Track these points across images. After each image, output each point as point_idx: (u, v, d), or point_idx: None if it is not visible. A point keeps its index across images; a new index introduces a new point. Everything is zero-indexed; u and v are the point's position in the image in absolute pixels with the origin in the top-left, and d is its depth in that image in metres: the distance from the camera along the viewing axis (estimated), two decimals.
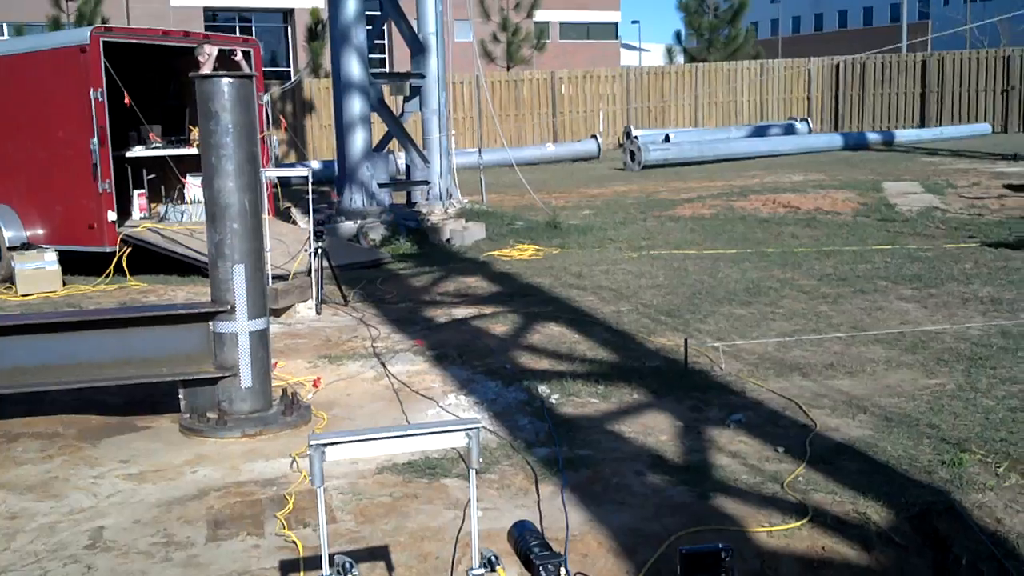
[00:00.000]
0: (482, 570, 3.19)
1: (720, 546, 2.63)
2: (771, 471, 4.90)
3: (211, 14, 48.73)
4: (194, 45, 11.98)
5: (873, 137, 27.45)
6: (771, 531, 4.25)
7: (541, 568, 2.91)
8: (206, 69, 11.02)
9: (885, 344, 7.13)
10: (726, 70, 33.01)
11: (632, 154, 24.08)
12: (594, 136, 29.14)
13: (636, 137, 25.72)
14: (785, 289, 9.19)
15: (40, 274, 10.88)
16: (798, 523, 4.29)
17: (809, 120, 30.26)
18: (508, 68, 35.44)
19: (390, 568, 4.05)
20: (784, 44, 57.07)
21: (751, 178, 19.58)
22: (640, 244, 12.34)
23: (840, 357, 6.87)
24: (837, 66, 32.37)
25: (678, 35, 39.31)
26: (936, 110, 31.12)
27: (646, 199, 17.04)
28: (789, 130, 28.98)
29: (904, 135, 27.80)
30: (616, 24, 60.04)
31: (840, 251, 11.10)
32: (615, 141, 30.66)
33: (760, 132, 28.82)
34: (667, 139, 26.69)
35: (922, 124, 30.78)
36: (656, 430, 5.60)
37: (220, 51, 11.62)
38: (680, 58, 39.19)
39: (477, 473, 4.89)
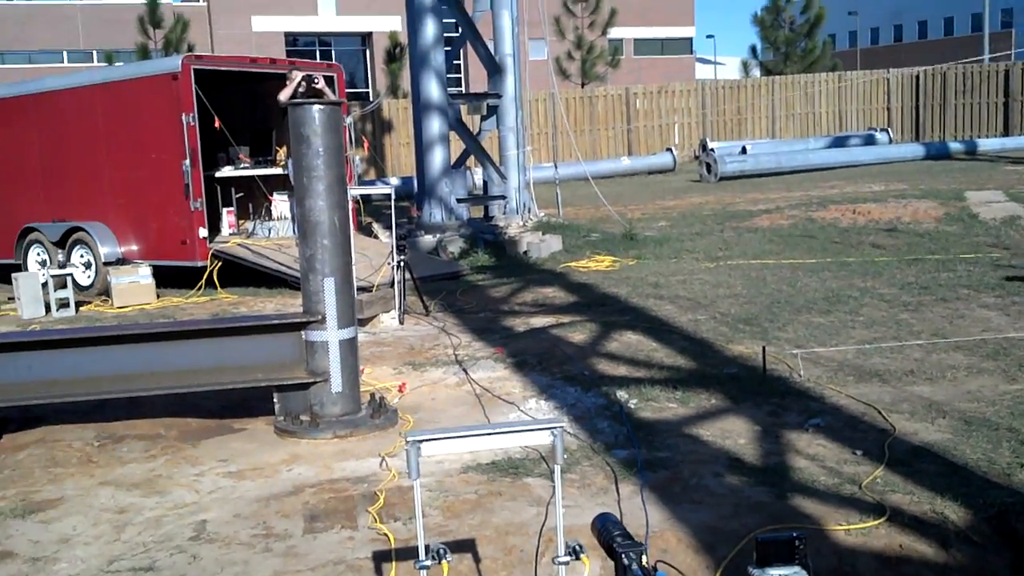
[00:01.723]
0: (568, 558, 3.34)
1: (795, 534, 2.73)
2: (849, 473, 4.96)
3: (292, 38, 49.94)
4: (279, 71, 12.47)
5: (955, 147, 26.95)
6: (849, 529, 4.32)
7: (623, 555, 3.03)
8: (286, 93, 11.47)
9: (966, 351, 7.11)
10: (803, 82, 32.73)
11: (708, 166, 24.04)
12: (669, 149, 29.13)
13: (712, 149, 25.67)
14: (865, 298, 9.18)
15: (135, 287, 11.37)
16: (875, 522, 4.35)
17: (889, 130, 29.82)
18: (583, 85, 35.60)
19: (477, 560, 4.23)
20: (862, 56, 56.27)
21: (830, 188, 19.43)
22: (717, 255, 12.38)
23: (920, 364, 6.87)
24: (917, 76, 31.87)
25: (753, 49, 39.07)
26: (1020, 119, 30.39)
27: (723, 210, 17.04)
28: (869, 140, 28.62)
29: (987, 144, 27.24)
30: (691, 39, 59.85)
31: (922, 260, 11.01)
32: (691, 154, 30.59)
33: (839, 143, 28.51)
34: (744, 151, 26.57)
35: (1006, 133, 30.10)
36: (734, 433, 5.69)
37: (304, 76, 12.02)
38: (756, 71, 38.94)
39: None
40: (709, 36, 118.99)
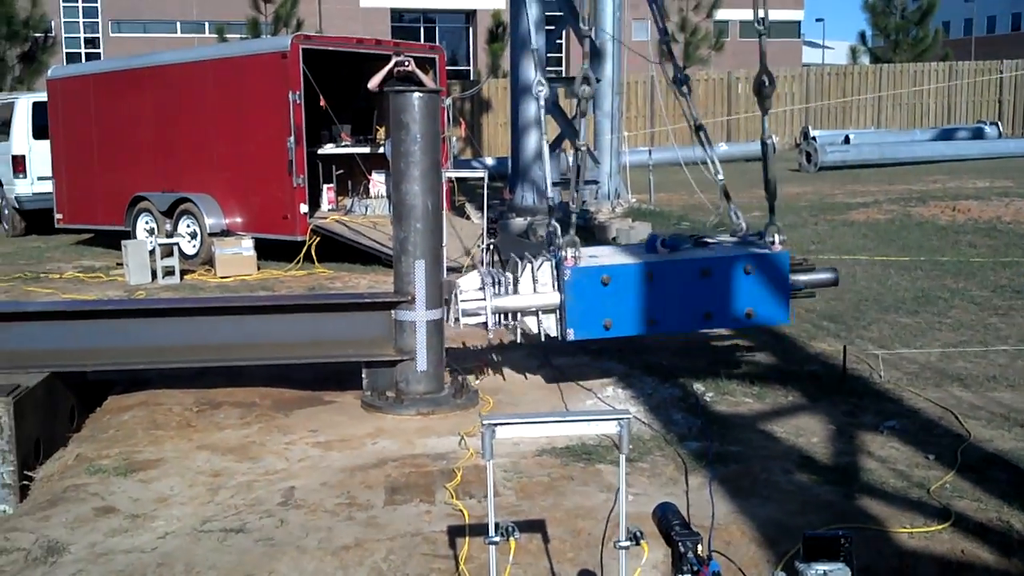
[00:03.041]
0: (628, 543, 3.52)
1: (841, 532, 2.86)
2: (919, 477, 5.01)
3: (398, 15, 50.60)
4: (383, 52, 12.77)
5: None
6: (912, 532, 4.39)
7: (680, 543, 3.21)
8: (376, 80, 11.74)
9: None
10: (912, 71, 31.94)
11: (808, 155, 23.72)
12: (770, 136, 28.72)
13: (814, 138, 25.27)
14: (955, 299, 9.07)
15: (237, 259, 11.84)
16: (940, 526, 4.41)
17: (999, 124, 28.91)
18: (684, 68, 35.27)
19: (546, 540, 4.43)
20: (977, 44, 54.43)
21: (932, 183, 19.02)
22: (809, 248, 12.27)
23: (1004, 370, 6.82)
24: None
25: (862, 35, 38.24)
26: None
27: (819, 202, 16.85)
28: (977, 134, 27.80)
29: None
30: (799, 23, 58.67)
31: (1018, 263, 10.78)
32: (791, 142, 30.13)
33: (946, 135, 27.77)
34: (847, 140, 26.10)
35: None
36: (808, 432, 5.76)
37: (395, 62, 12.19)
38: (864, 58, 38.08)
39: (629, 461, 5.24)
40: (819, 19, 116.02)
